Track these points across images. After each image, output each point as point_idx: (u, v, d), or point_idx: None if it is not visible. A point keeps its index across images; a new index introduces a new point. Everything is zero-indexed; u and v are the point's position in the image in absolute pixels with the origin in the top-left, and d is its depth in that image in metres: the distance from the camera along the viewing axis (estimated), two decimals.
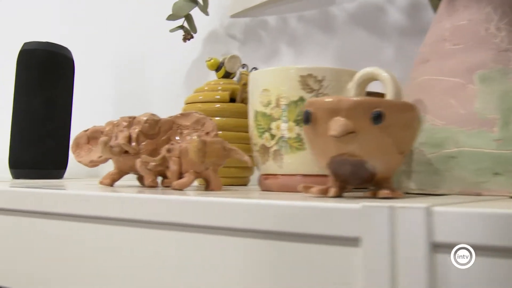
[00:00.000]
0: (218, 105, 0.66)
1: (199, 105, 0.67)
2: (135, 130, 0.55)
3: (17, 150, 0.82)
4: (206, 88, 0.69)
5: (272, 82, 0.50)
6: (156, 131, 0.56)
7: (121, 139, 0.54)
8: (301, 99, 0.49)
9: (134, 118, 0.57)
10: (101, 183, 0.57)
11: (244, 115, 0.66)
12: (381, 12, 0.73)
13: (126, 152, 0.55)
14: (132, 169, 0.57)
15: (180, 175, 0.50)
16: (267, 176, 0.51)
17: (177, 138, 0.57)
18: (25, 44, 0.84)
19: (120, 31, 0.99)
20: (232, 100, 0.67)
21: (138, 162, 0.51)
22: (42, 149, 0.81)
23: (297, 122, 0.49)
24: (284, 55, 0.80)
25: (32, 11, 1.13)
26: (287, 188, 0.49)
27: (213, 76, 0.85)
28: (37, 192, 0.48)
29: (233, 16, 0.85)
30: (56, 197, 0.46)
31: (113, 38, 1.00)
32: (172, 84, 0.91)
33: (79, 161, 0.61)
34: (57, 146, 0.83)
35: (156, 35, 0.94)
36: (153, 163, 0.50)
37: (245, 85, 0.65)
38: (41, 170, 0.81)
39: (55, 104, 0.83)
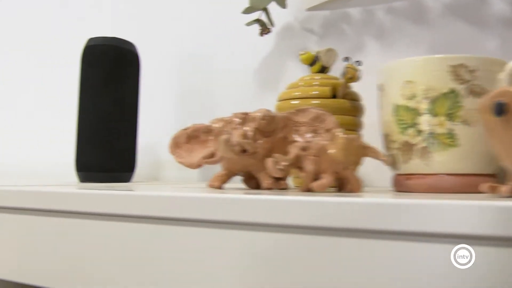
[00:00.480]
0: (317, 101, 0.63)
1: (295, 101, 0.63)
2: (251, 127, 0.51)
3: (83, 152, 0.78)
4: (301, 83, 0.65)
5: (416, 73, 0.46)
6: (272, 129, 0.52)
7: (237, 137, 0.50)
8: (452, 91, 0.45)
9: (247, 114, 0.53)
10: (210, 186, 0.53)
11: (346, 111, 0.62)
12: (481, 1, 0.70)
13: (242, 151, 0.51)
14: (244, 170, 0.53)
15: (316, 176, 0.46)
16: (409, 176, 0.47)
17: (295, 136, 0.53)
18: (90, 39, 0.79)
19: (185, 25, 0.95)
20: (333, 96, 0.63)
21: (269, 162, 0.46)
22: (110, 151, 0.77)
23: (449, 117, 0.45)
24: (370, 49, 0.76)
25: (94, 5, 1.09)
26: (437, 189, 0.45)
27: (287, 72, 0.81)
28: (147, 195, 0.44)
29: (310, 9, 0.81)
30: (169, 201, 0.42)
31: (177, 32, 0.96)
32: (241, 82, 0.87)
33: (180, 162, 0.57)
34: (125, 148, 0.79)
35: (224, 29, 0.90)
36: (285, 163, 0.46)
37: (351, 79, 0.61)
38: (109, 173, 0.77)
39: (123, 103, 0.79)
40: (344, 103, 0.63)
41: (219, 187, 0.53)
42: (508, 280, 0.28)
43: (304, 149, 0.46)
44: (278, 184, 0.52)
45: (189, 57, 0.93)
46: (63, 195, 0.52)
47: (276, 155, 0.47)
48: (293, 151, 0.47)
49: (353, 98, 0.64)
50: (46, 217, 0.53)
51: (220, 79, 0.90)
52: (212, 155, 0.55)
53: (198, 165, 0.56)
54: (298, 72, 0.81)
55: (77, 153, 0.78)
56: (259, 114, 0.52)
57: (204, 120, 0.89)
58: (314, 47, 0.80)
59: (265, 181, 0.51)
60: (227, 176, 0.54)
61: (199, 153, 0.57)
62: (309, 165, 0.46)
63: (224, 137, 0.50)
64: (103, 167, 0.77)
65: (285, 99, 0.65)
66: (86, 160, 0.77)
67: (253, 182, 0.55)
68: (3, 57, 1.24)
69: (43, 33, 1.16)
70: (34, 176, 1.07)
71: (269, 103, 0.83)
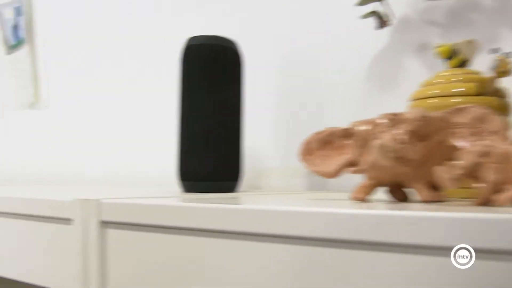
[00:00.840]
0: (458, 99, 0.55)
1: (434, 100, 0.56)
2: (404, 130, 0.44)
3: (187, 160, 0.73)
4: (439, 80, 0.58)
5: None
6: (427, 132, 0.45)
7: (390, 141, 0.44)
8: None
9: (397, 114, 0.46)
10: (355, 198, 0.47)
11: (495, 110, 0.55)
12: None
13: (399, 158, 0.44)
14: (395, 179, 0.46)
15: (497, 187, 0.39)
16: None
17: (454, 140, 0.45)
18: (191, 39, 0.74)
19: (289, 20, 0.89)
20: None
21: (440, 170, 0.40)
22: (216, 158, 0.72)
23: None
24: (508, 41, 0.68)
25: (194, 1, 1.04)
26: None
27: (405, 69, 0.75)
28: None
29: None
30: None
31: (281, 28, 0.90)
32: (352, 82, 0.81)
33: (315, 171, 0.50)
34: (231, 155, 0.73)
35: (331, 24, 0.83)
36: (460, 172, 0.39)
37: (503, 73, 0.53)
38: (215, 182, 0.72)
39: (227, 106, 0.74)
40: (493, 101, 0.55)
41: (364, 200, 0.47)
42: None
43: (483, 155, 0.39)
44: (438, 195, 0.45)
45: (294, 55, 0.87)
46: (176, 209, 0.47)
47: (451, 162, 0.40)
48: (469, 157, 0.40)
49: (501, 95, 0.57)
50: (153, 233, 0.48)
51: (327, 80, 0.83)
52: (352, 163, 0.49)
53: (335, 174, 0.50)
54: (418, 69, 0.74)
55: (180, 161, 0.73)
56: (413, 114, 0.45)
57: (310, 125, 0.83)
58: (437, 40, 0.72)
59: (424, 193, 0.44)
60: (374, 187, 0.47)
61: (335, 160, 0.50)
62: (491, 174, 0.38)
63: (379, 142, 0.43)
64: (209, 176, 0.71)
65: (420, 98, 0.58)
66: (190, 169, 0.72)
67: (400, 193, 0.48)
68: (98, 59, 1.21)
69: (139, 33, 1.12)
70: (133, 184, 1.03)
71: (386, 104, 0.77)
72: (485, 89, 0.55)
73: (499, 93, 0.56)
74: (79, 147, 1.22)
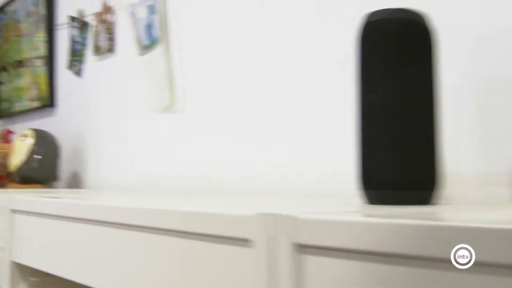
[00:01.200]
0: None
1: None
2: None
3: (371, 164, 0.59)
4: None
5: None
6: None
7: None
8: None
9: None
10: None
11: None
12: None
13: None
14: None
15: None
16: None
17: None
18: (371, 14, 0.62)
19: None
20: None
21: None
22: (409, 161, 0.58)
23: None
24: None
25: None
26: None
27: None
28: None
29: None
30: None
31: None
32: None
33: None
34: (428, 157, 0.58)
35: None
36: None
37: None
38: (407, 191, 0.58)
39: (419, 96, 0.60)
40: None
41: None
42: None
43: None
44: None
45: (498, 31, 0.71)
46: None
47: None
48: None
49: None
50: (368, 263, 0.35)
51: None
52: None
53: None
54: None
55: (362, 166, 0.60)
56: None
57: None
58: None
59: None
60: None
61: None
62: None
63: None
64: (400, 184, 0.58)
65: None
66: (375, 175, 0.58)
67: None
68: (240, 58, 1.10)
69: (287, 23, 1.00)
70: (294, 194, 0.91)
71: None
72: None
73: None
74: (224, 155, 1.11)
